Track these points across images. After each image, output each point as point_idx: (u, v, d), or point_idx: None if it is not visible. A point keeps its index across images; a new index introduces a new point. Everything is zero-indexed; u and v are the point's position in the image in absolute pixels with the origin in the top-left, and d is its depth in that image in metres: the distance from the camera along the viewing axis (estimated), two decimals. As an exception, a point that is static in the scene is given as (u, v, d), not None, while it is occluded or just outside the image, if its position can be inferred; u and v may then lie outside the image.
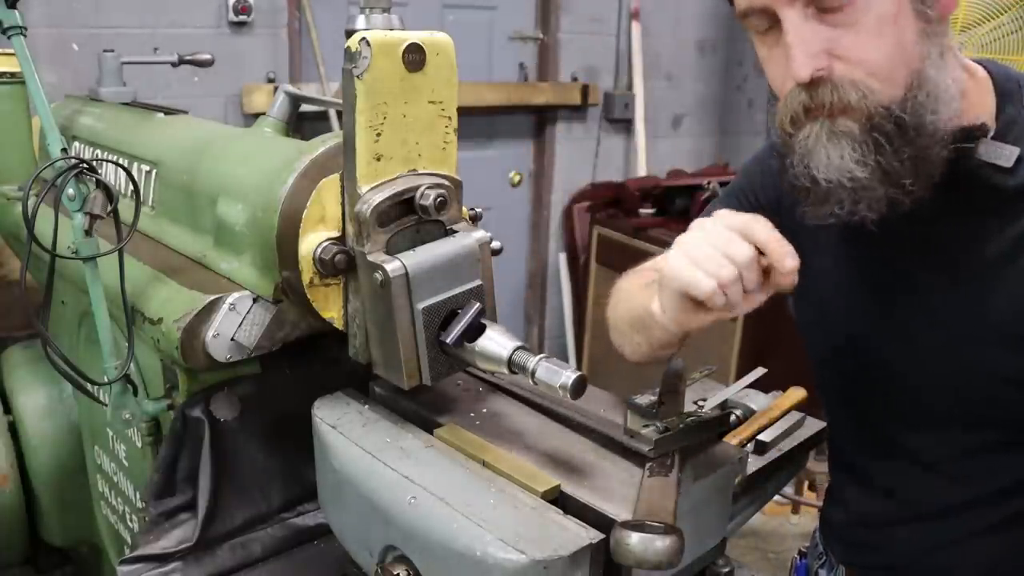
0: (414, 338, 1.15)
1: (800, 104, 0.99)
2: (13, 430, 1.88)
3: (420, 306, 1.14)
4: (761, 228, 0.95)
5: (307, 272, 1.19)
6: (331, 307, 1.23)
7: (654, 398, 1.21)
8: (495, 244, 1.28)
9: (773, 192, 1.28)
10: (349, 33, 1.15)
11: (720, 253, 0.94)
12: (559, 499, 1.05)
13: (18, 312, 2.10)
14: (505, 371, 1.13)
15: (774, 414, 1.34)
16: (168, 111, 1.81)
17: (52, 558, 2.06)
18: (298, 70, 3.61)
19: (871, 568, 1.27)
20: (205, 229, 1.41)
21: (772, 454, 1.30)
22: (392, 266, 1.12)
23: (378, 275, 1.13)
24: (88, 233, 1.25)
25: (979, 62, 1.09)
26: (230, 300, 1.27)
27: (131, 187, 1.32)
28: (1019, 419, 1.07)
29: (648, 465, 1.10)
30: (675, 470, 1.08)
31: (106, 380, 1.34)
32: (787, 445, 1.33)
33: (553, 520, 1.00)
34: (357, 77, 1.10)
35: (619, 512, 1.00)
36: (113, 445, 1.65)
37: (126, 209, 1.33)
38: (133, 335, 1.33)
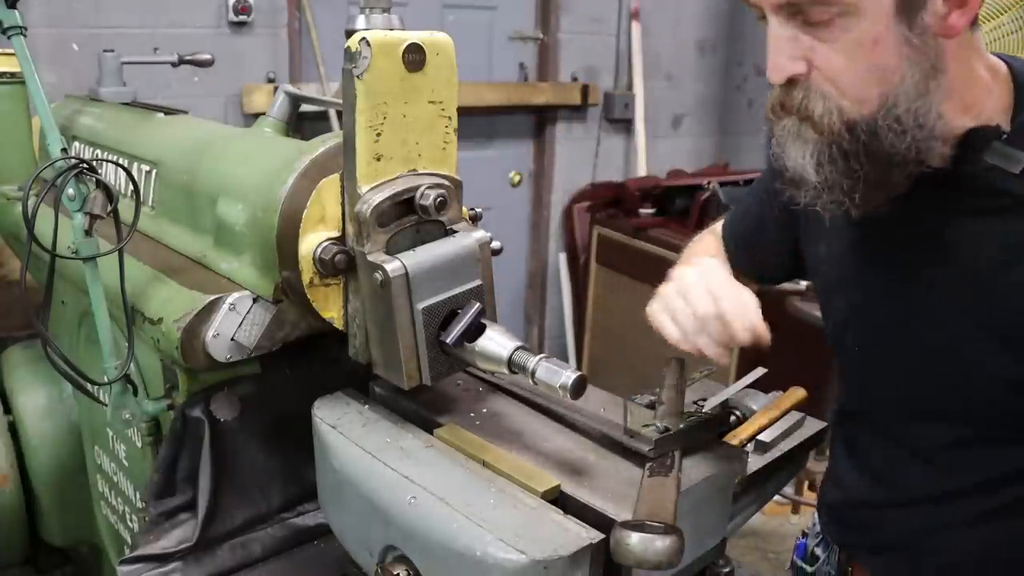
0: (414, 338, 1.15)
1: (777, 99, 1.03)
2: (13, 430, 1.88)
3: (420, 306, 1.14)
4: (727, 296, 1.09)
5: (307, 272, 1.19)
6: (331, 307, 1.23)
7: (654, 398, 1.21)
8: (495, 244, 1.28)
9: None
10: (349, 33, 1.15)
11: (690, 308, 1.11)
12: (559, 499, 1.05)
13: (18, 312, 2.10)
14: (505, 371, 1.13)
15: (774, 414, 1.33)
16: (168, 111, 1.81)
17: (52, 558, 2.06)
18: (298, 70, 3.61)
19: (863, 549, 1.29)
20: (205, 229, 1.41)
21: (772, 454, 1.30)
22: (392, 266, 1.12)
23: (378, 275, 1.13)
24: (88, 233, 1.25)
25: (1004, 59, 1.08)
26: (230, 300, 1.27)
27: (131, 187, 1.32)
28: (1015, 417, 1.07)
29: (648, 465, 1.10)
30: (675, 470, 1.08)
31: (106, 380, 1.34)
32: (787, 445, 1.33)
33: (553, 520, 1.00)
34: (357, 77, 1.11)
35: (619, 512, 1.01)
36: (113, 445, 1.65)
37: (126, 209, 1.33)
38: (133, 335, 1.33)
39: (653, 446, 1.11)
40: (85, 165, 1.23)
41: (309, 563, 1.36)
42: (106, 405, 1.39)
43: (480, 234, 1.23)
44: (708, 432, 1.19)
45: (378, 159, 1.15)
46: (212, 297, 1.27)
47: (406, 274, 1.13)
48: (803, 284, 3.01)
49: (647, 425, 1.14)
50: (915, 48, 0.96)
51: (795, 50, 0.98)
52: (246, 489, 1.36)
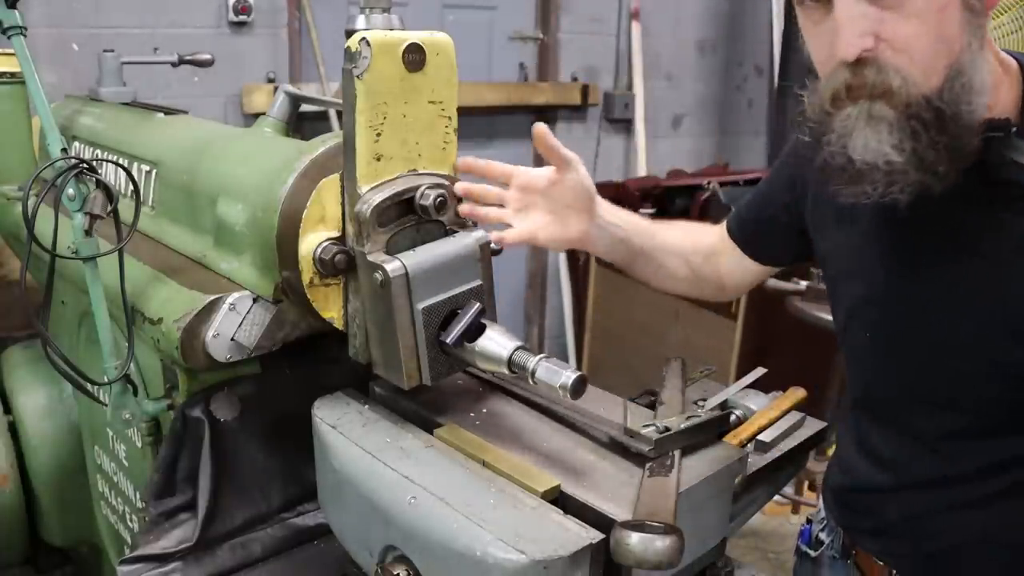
0: (414, 338, 1.15)
1: (842, 83, 0.99)
2: (13, 430, 1.88)
3: (420, 306, 1.14)
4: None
5: (307, 272, 1.19)
6: (331, 307, 1.23)
7: (654, 398, 1.21)
8: (495, 244, 1.28)
9: (801, 172, 1.31)
10: (349, 33, 1.15)
11: None
12: (559, 499, 1.05)
13: (18, 312, 2.10)
14: (505, 371, 1.13)
15: (774, 414, 1.33)
16: (168, 111, 1.81)
17: (52, 558, 2.06)
18: (298, 70, 3.61)
19: (864, 532, 1.29)
20: (205, 229, 1.41)
21: (772, 454, 1.30)
22: (392, 266, 1.12)
23: (378, 275, 1.13)
24: (88, 233, 1.25)
25: (1012, 55, 1.09)
26: (230, 300, 1.27)
27: (131, 187, 1.32)
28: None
29: (648, 465, 1.10)
30: (675, 470, 1.08)
31: (106, 380, 1.34)
32: (787, 445, 1.33)
33: (553, 520, 1.00)
34: (357, 77, 1.11)
35: (619, 512, 1.01)
36: (113, 445, 1.65)
37: (126, 209, 1.33)
38: (133, 335, 1.33)
39: (653, 446, 1.11)
40: (85, 165, 1.23)
41: (309, 563, 1.36)
42: (106, 405, 1.39)
43: (480, 234, 1.23)
44: (708, 432, 1.19)
45: (378, 159, 1.15)
46: (212, 297, 1.27)
47: (406, 274, 1.13)
48: (803, 284, 3.01)
49: (647, 425, 1.14)
50: (972, 18, 0.97)
51: (864, 25, 0.95)
52: (246, 489, 1.36)
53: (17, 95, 1.97)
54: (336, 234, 1.21)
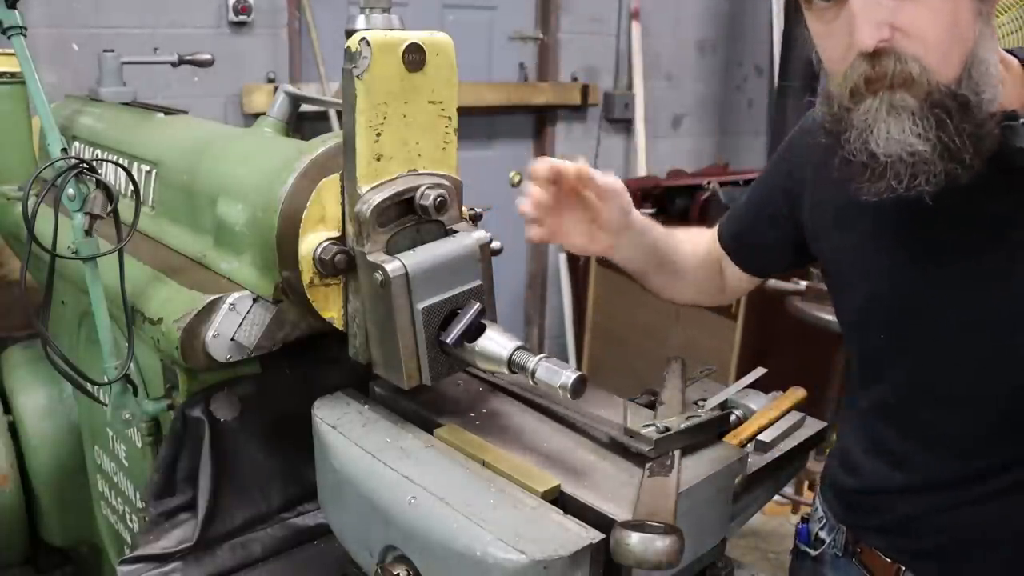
0: (414, 338, 1.15)
1: (861, 76, 0.98)
2: (13, 430, 1.88)
3: (420, 306, 1.14)
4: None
5: (307, 272, 1.19)
6: (331, 307, 1.23)
7: (654, 398, 1.21)
8: (495, 244, 1.28)
9: (801, 162, 1.31)
10: (349, 33, 1.15)
11: None
12: (559, 499, 1.05)
13: (18, 312, 2.10)
14: (505, 371, 1.13)
15: (774, 414, 1.33)
16: (168, 111, 1.81)
17: (52, 558, 2.06)
18: (298, 70, 3.61)
19: (869, 529, 1.29)
20: (205, 229, 1.41)
21: (772, 454, 1.30)
22: (392, 266, 1.12)
23: (378, 275, 1.13)
24: (88, 233, 1.25)
25: (1011, 52, 1.09)
26: (230, 300, 1.27)
27: (131, 187, 1.32)
28: None
29: (648, 465, 1.10)
30: (675, 470, 1.08)
31: (106, 380, 1.34)
32: (787, 445, 1.32)
33: (553, 520, 1.00)
34: (357, 77, 1.10)
35: (619, 512, 1.00)
36: (113, 445, 1.65)
37: (126, 209, 1.33)
38: (133, 335, 1.33)
39: (653, 446, 1.11)
40: (85, 165, 1.23)
41: (309, 563, 1.36)
42: (106, 405, 1.39)
43: (480, 234, 1.23)
44: (708, 432, 1.19)
45: (378, 159, 1.15)
46: (212, 297, 1.27)
47: (406, 274, 1.13)
48: (803, 284, 3.01)
49: (647, 425, 1.14)
50: (983, 7, 0.97)
51: (880, 14, 0.95)
52: (246, 489, 1.36)
53: (17, 95, 1.97)
54: (336, 234, 1.21)
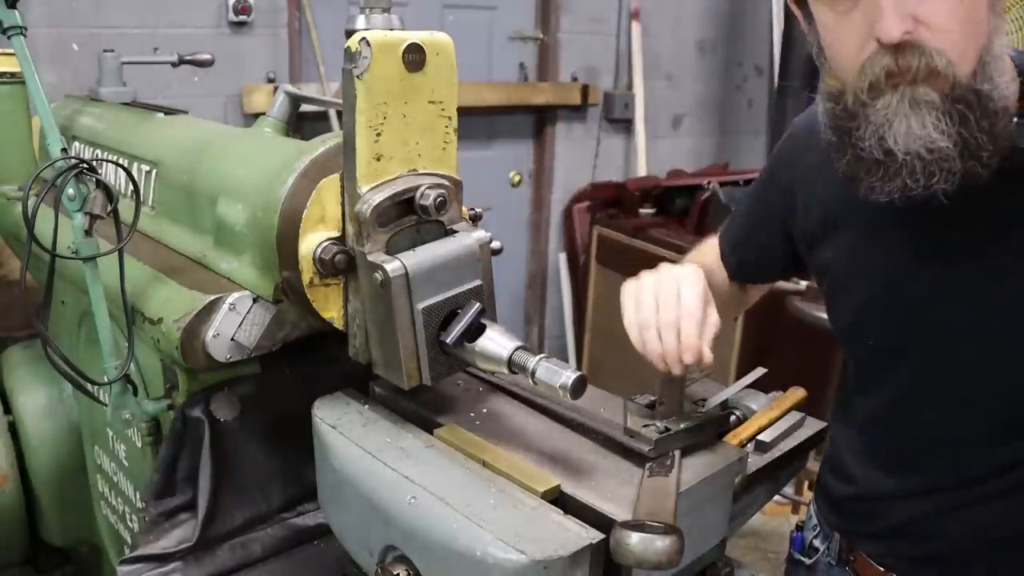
0: (414, 338, 1.15)
1: (883, 69, 0.95)
2: (13, 430, 1.88)
3: (420, 306, 1.14)
4: (691, 315, 1.08)
5: (307, 272, 1.19)
6: (331, 307, 1.23)
7: (654, 398, 1.21)
8: (495, 244, 1.28)
9: (790, 172, 1.31)
10: (349, 33, 1.15)
11: (654, 304, 1.11)
12: (559, 499, 1.05)
13: (18, 312, 2.10)
14: (505, 371, 1.12)
15: (774, 414, 1.33)
16: (168, 111, 1.81)
17: (52, 558, 2.06)
18: (298, 70, 3.61)
19: (863, 535, 1.29)
20: (205, 229, 1.41)
21: (772, 454, 1.30)
22: (392, 266, 1.12)
23: (378, 275, 1.13)
24: (88, 233, 1.25)
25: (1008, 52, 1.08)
26: (230, 300, 1.27)
27: (131, 187, 1.32)
28: None
29: (648, 465, 1.10)
30: (675, 470, 1.08)
31: (106, 380, 1.34)
32: (787, 445, 1.32)
33: (553, 520, 1.00)
34: (357, 77, 1.10)
35: (619, 512, 1.00)
36: (113, 445, 1.65)
37: (126, 209, 1.33)
38: (133, 335, 1.33)
39: (653, 446, 1.11)
40: (85, 165, 1.23)
41: (309, 563, 1.36)
42: (106, 405, 1.39)
43: (480, 234, 1.23)
44: (708, 432, 1.19)
45: (378, 159, 1.15)
46: (212, 297, 1.27)
47: (406, 274, 1.13)
48: (803, 284, 3.01)
49: (647, 425, 1.14)
50: (995, 1, 0.97)
51: (906, 5, 0.93)
52: (246, 489, 1.36)
53: (17, 95, 1.97)
54: (336, 234, 1.21)
